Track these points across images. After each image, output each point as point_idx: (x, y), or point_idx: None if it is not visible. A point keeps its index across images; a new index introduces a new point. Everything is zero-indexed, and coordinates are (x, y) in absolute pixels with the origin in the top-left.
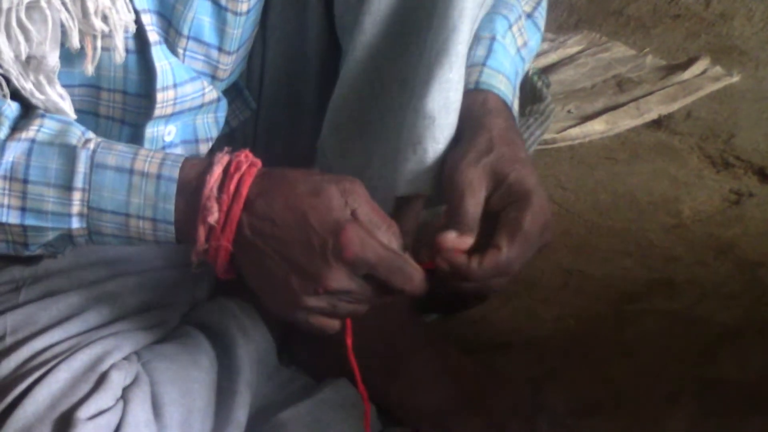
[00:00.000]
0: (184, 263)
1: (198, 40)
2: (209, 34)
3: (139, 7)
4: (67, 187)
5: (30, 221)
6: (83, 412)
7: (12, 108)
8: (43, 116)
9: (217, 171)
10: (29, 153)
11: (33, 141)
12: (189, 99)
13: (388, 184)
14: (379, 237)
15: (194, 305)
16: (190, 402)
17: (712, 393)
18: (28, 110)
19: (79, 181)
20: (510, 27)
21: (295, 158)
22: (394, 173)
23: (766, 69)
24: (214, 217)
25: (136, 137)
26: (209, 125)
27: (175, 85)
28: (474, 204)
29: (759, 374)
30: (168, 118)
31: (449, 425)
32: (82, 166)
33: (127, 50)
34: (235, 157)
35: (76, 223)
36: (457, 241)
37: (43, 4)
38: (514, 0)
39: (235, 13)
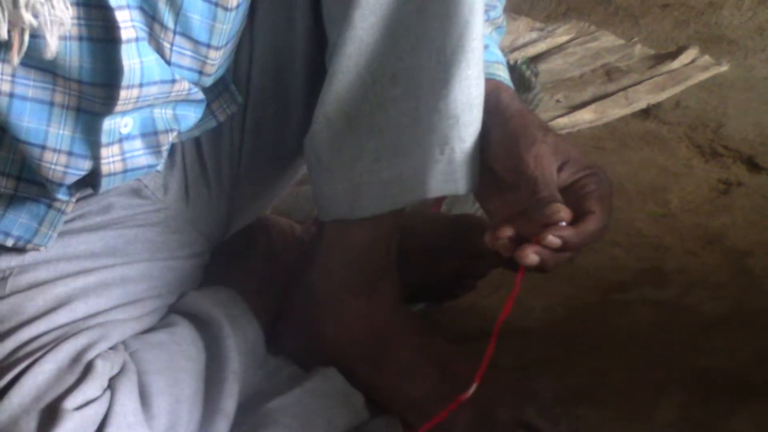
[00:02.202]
0: (172, 256)
1: (186, 36)
2: (198, 31)
3: (114, 4)
4: None
5: None
6: (70, 403)
7: None
8: None
9: None
10: None
11: None
12: (152, 98)
13: (386, 181)
14: None
15: (182, 295)
16: (178, 391)
17: (700, 382)
18: None
19: None
20: (486, 20)
21: (283, 152)
22: (400, 171)
23: (755, 58)
24: None
25: (91, 127)
26: (166, 120)
27: (141, 85)
28: (553, 177)
29: (747, 363)
30: (126, 112)
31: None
32: None
33: (81, 38)
34: None
35: None
36: (565, 214)
37: None
38: (497, 2)
39: (226, 9)
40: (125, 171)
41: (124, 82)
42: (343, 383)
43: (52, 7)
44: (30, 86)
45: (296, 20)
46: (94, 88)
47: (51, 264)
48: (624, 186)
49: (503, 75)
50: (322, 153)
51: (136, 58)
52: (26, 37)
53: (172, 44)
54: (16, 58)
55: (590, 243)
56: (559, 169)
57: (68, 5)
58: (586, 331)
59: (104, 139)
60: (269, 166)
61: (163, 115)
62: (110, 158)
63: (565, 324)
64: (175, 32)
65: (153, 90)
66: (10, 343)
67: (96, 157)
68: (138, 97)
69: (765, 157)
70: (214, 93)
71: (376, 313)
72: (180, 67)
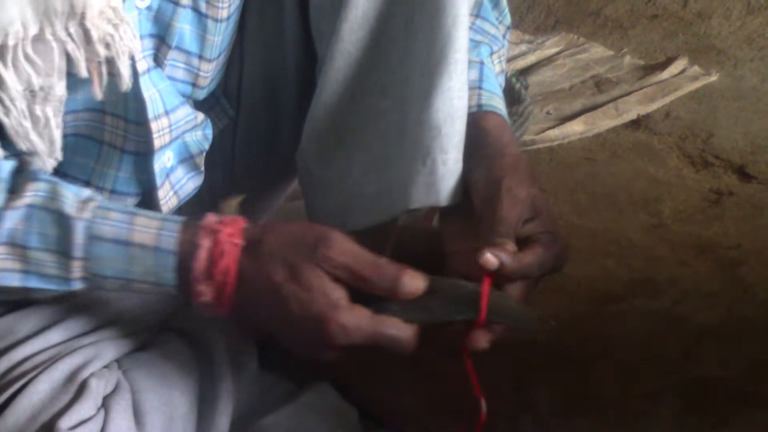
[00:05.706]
0: None
1: (180, 49)
2: (190, 42)
3: None
4: (67, 255)
5: (32, 283)
6: (65, 423)
7: (6, 166)
8: (36, 180)
9: (202, 256)
10: (27, 219)
11: (30, 206)
12: (183, 123)
13: (375, 193)
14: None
15: (174, 312)
16: (171, 409)
17: (694, 391)
18: (21, 161)
19: (78, 252)
20: (491, 54)
21: (274, 166)
22: (388, 183)
23: (744, 67)
24: (207, 298)
25: (140, 169)
26: (198, 141)
27: (167, 112)
28: (518, 223)
29: (740, 372)
30: (167, 146)
31: (431, 427)
32: (79, 238)
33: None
34: (216, 237)
35: (77, 285)
36: (505, 245)
37: (49, 36)
38: (496, 32)
39: (216, 20)
40: (179, 202)
41: (151, 114)
42: (337, 398)
43: (120, 38)
44: (80, 125)
45: (286, 34)
46: (135, 126)
47: None
48: (615, 197)
49: (502, 109)
50: (313, 166)
51: (152, 88)
52: (104, 70)
53: (168, 59)
54: (98, 92)
55: (527, 275)
56: (528, 221)
57: (136, 34)
58: (580, 342)
59: (158, 180)
60: (261, 179)
61: (194, 137)
62: (166, 197)
63: (558, 336)
64: (172, 47)
65: (180, 114)
66: (5, 363)
67: (146, 195)
68: (170, 126)
69: (755, 166)
70: (206, 107)
71: None
72: (173, 80)
